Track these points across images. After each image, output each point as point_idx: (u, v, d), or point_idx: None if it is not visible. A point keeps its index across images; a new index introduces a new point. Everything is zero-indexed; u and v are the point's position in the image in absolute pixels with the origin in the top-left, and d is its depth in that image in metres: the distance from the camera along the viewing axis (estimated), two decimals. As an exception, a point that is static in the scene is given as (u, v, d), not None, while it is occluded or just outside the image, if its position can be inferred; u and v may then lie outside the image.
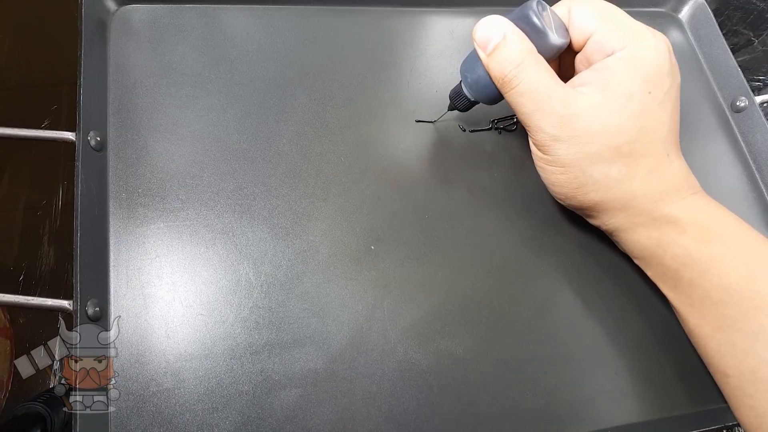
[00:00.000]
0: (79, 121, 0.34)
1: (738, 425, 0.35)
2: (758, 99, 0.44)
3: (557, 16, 0.33)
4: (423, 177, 0.38)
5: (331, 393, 0.32)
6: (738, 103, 0.44)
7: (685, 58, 0.47)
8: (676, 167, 0.32)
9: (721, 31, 0.46)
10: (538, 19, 0.31)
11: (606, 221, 0.34)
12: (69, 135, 0.34)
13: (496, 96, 0.33)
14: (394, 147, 0.39)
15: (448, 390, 0.32)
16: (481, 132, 0.40)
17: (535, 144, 0.33)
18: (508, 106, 0.32)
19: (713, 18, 0.47)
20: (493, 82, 0.32)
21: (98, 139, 0.34)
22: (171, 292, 0.32)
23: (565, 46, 0.32)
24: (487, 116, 0.41)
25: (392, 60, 0.42)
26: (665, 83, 0.31)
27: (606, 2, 0.32)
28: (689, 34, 0.48)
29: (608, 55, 0.31)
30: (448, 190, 0.38)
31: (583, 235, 0.38)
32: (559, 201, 0.35)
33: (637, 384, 0.34)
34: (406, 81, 0.41)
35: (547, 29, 0.31)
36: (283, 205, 0.36)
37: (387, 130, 0.39)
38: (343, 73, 0.41)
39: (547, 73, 0.31)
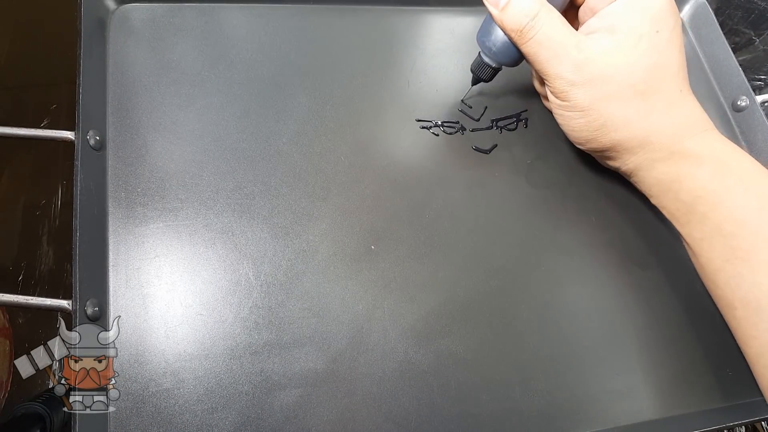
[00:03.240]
0: (79, 121, 0.33)
1: (738, 425, 0.35)
2: (759, 98, 0.44)
3: None
4: (423, 176, 0.38)
5: (331, 393, 0.31)
6: (739, 103, 0.44)
7: (686, 57, 0.47)
8: (690, 103, 0.34)
9: (722, 30, 0.46)
10: None
11: (626, 161, 0.35)
12: (68, 134, 0.34)
13: (515, 54, 0.34)
14: (395, 146, 0.39)
15: (448, 390, 0.32)
16: (482, 131, 0.40)
17: (552, 92, 0.34)
18: (526, 61, 0.34)
19: (714, 17, 0.47)
20: (510, 39, 0.33)
21: (97, 138, 0.34)
22: (170, 292, 0.32)
23: None
24: (487, 116, 0.41)
25: (392, 59, 0.42)
26: (670, 21, 0.32)
27: None
28: (690, 33, 0.48)
29: (612, 2, 0.33)
30: (448, 189, 0.38)
31: (584, 235, 0.38)
32: (578, 146, 0.36)
33: (638, 384, 0.34)
34: (406, 80, 0.41)
35: None
36: (282, 204, 0.35)
37: (387, 129, 0.39)
38: (343, 72, 0.40)
39: (560, 21, 0.32)
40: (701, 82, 0.46)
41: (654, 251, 0.38)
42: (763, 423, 0.43)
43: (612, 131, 0.33)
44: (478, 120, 0.41)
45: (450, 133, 0.40)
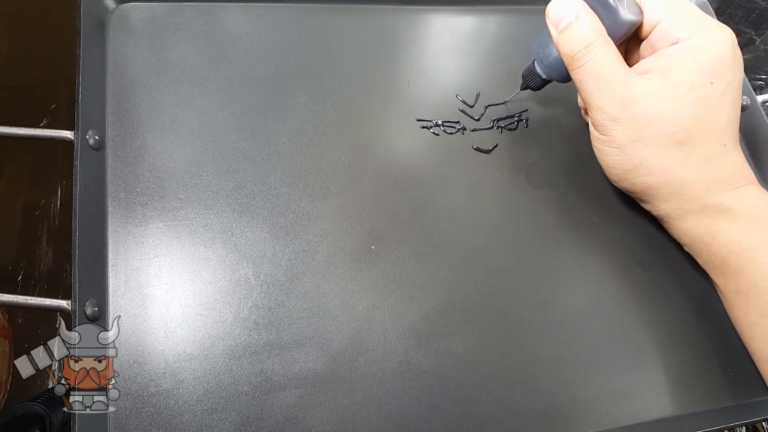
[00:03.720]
0: (78, 120, 0.33)
1: (739, 425, 0.35)
2: (760, 98, 0.43)
3: None
4: (424, 176, 0.38)
5: (331, 394, 0.31)
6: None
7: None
8: (732, 157, 0.33)
9: (723, 29, 0.46)
10: None
11: (657, 206, 0.35)
12: (67, 134, 0.33)
13: (565, 73, 0.34)
14: (395, 146, 0.39)
15: (448, 390, 0.32)
16: (482, 131, 0.40)
17: (593, 124, 0.34)
18: (574, 85, 0.34)
19: (715, 17, 0.47)
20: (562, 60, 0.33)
21: (97, 137, 0.34)
22: (170, 292, 0.32)
23: (638, 24, 0.33)
24: (488, 116, 0.41)
25: (393, 58, 0.42)
26: (728, 75, 0.32)
27: None
28: (691, 32, 0.48)
29: (673, 44, 0.32)
30: (448, 189, 0.38)
31: (585, 235, 0.38)
32: (612, 182, 0.36)
33: (639, 384, 0.34)
34: (407, 80, 0.41)
35: (618, 5, 0.31)
36: (282, 204, 0.35)
37: (387, 128, 0.39)
38: (343, 72, 0.40)
39: (614, 55, 0.32)
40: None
41: (655, 251, 0.38)
42: (764, 423, 0.43)
43: (645, 174, 0.33)
44: (478, 120, 0.40)
45: (450, 133, 0.40)
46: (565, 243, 0.37)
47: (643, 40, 0.34)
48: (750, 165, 0.42)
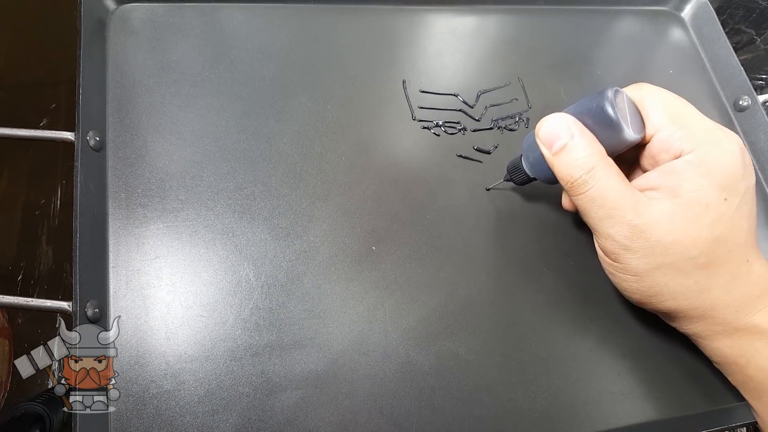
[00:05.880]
0: (78, 121, 0.33)
1: (740, 426, 0.35)
2: (761, 98, 0.44)
3: (632, 103, 0.30)
4: (424, 177, 0.38)
5: (332, 395, 0.31)
6: (741, 102, 0.44)
7: (687, 56, 0.47)
8: (757, 272, 0.30)
9: (724, 29, 0.46)
10: (614, 110, 0.28)
11: (684, 326, 0.32)
12: (68, 135, 0.33)
13: (553, 178, 0.32)
14: (395, 147, 0.39)
15: (449, 391, 0.32)
16: (483, 131, 0.40)
17: (603, 250, 0.31)
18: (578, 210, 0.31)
19: (716, 16, 0.47)
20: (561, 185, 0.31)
21: (97, 138, 0.34)
22: (171, 294, 0.32)
23: (638, 142, 0.30)
24: (488, 116, 0.41)
25: (393, 59, 0.42)
26: (740, 187, 0.29)
27: (677, 97, 0.31)
28: (692, 32, 0.48)
29: (676, 156, 0.30)
30: (449, 190, 0.38)
31: (586, 236, 0.38)
32: (633, 304, 0.34)
33: (640, 385, 0.34)
34: (408, 80, 0.41)
35: (623, 123, 0.29)
36: (283, 205, 0.35)
37: (388, 129, 0.39)
38: (343, 72, 0.40)
39: (617, 177, 0.29)
40: (703, 82, 0.46)
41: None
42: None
43: (669, 300, 0.30)
44: (479, 120, 0.40)
45: (451, 134, 0.40)
46: (566, 243, 0.37)
47: (642, 149, 0.32)
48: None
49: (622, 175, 0.30)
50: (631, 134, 0.29)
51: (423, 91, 0.40)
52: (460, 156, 0.39)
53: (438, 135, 0.40)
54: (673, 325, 0.33)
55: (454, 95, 0.41)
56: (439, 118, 0.40)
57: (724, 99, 0.45)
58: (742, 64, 0.44)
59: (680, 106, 0.31)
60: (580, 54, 0.45)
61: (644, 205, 0.29)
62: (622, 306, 0.36)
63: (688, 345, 0.35)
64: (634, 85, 0.32)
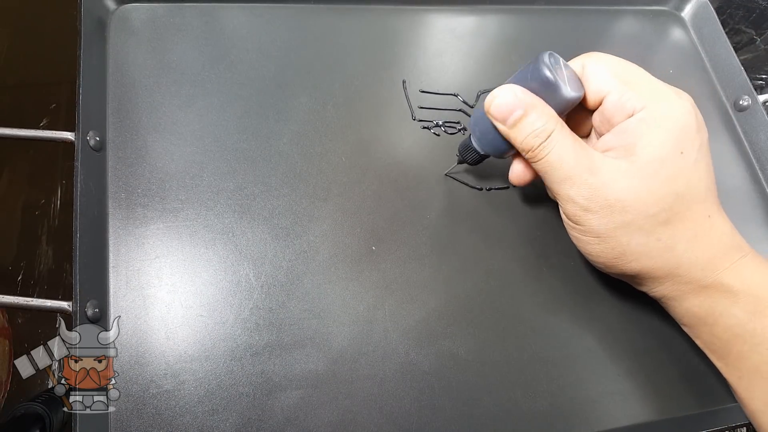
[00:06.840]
0: (78, 121, 0.33)
1: (740, 426, 0.35)
2: (761, 98, 0.44)
3: (570, 67, 0.31)
4: (424, 177, 0.38)
5: (332, 395, 0.31)
6: (741, 102, 0.44)
7: (687, 56, 0.47)
8: (720, 229, 0.30)
9: (724, 29, 0.46)
10: (551, 72, 0.29)
11: (652, 288, 0.32)
12: (68, 135, 0.33)
13: (505, 150, 0.32)
14: (395, 147, 0.39)
15: (449, 391, 0.32)
16: (483, 131, 0.40)
17: (566, 215, 0.31)
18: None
19: (716, 16, 0.47)
20: (504, 139, 0.31)
21: (97, 138, 0.34)
22: (171, 293, 0.32)
23: (579, 100, 0.30)
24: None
25: (393, 59, 0.42)
26: (696, 141, 0.29)
27: (627, 62, 0.31)
28: (692, 32, 0.48)
29: (629, 116, 0.30)
30: (449, 190, 0.38)
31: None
32: (600, 270, 0.34)
33: (640, 385, 0.34)
34: (408, 80, 0.41)
35: (560, 82, 0.29)
36: (283, 205, 0.35)
37: (388, 129, 0.39)
38: (343, 72, 0.40)
39: (572, 139, 0.29)
40: (703, 81, 0.46)
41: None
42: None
43: (633, 261, 0.30)
44: None
45: (451, 134, 0.40)
46: (566, 244, 0.37)
47: (593, 111, 0.32)
48: (752, 165, 0.43)
49: (576, 136, 0.30)
50: (569, 92, 0.29)
51: (423, 91, 0.41)
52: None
53: (438, 135, 0.40)
54: (643, 289, 0.33)
55: (454, 95, 0.41)
56: (439, 118, 0.40)
57: (724, 99, 0.45)
58: (742, 64, 0.44)
59: (630, 69, 0.31)
60: (580, 54, 0.45)
61: (600, 163, 0.29)
62: (622, 306, 0.36)
63: (687, 345, 0.35)
64: (584, 54, 0.32)
